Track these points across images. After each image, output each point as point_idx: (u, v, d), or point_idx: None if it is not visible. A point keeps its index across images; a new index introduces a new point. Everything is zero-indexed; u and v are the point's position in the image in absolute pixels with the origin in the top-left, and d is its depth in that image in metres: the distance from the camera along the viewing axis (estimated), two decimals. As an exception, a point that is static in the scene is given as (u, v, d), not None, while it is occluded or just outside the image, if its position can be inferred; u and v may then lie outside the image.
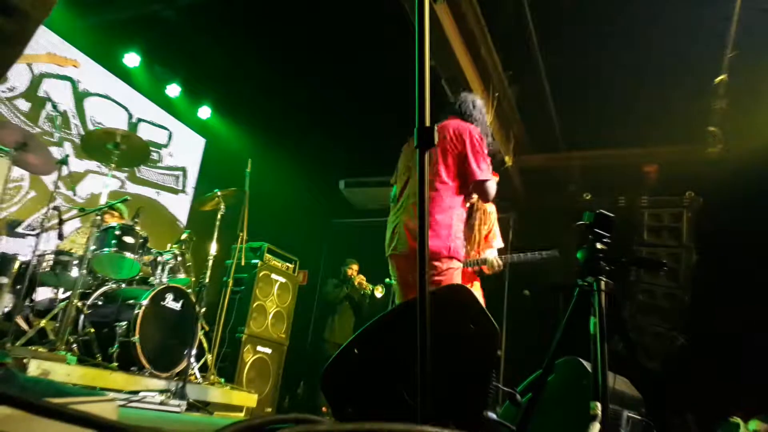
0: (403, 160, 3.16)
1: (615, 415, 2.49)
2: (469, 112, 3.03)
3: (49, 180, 5.21)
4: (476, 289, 3.47)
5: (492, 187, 2.90)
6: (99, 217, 3.92)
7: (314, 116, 6.87)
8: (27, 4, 1.01)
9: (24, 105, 5.34)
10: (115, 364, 3.64)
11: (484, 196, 2.94)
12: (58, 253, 4.05)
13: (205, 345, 4.61)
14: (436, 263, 2.69)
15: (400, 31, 4.74)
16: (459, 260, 2.79)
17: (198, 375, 4.31)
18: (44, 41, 5.19)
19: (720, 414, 4.60)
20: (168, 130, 6.97)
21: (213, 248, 4.31)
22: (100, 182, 5.82)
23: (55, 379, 2.98)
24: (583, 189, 6.33)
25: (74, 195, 5.12)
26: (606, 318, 1.97)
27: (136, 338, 3.75)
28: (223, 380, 4.56)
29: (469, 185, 2.86)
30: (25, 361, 2.93)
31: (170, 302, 4.12)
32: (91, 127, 5.92)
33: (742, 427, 4.37)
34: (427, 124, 1.38)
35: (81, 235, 4.67)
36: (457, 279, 2.78)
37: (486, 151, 2.89)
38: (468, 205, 3.09)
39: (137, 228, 4.16)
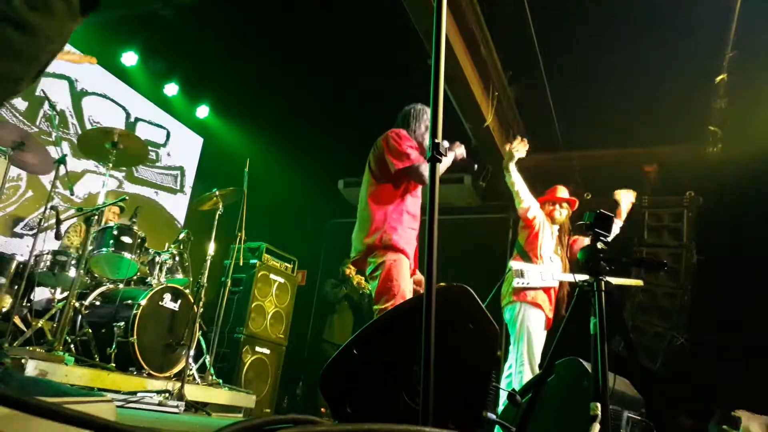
0: None
1: (615, 416, 2.49)
2: (403, 120, 3.21)
3: (46, 179, 5.20)
4: None
5: (419, 168, 2.91)
6: (97, 217, 3.90)
7: (313, 115, 6.85)
8: (46, 28, 0.99)
9: (21, 104, 5.32)
10: (113, 364, 3.62)
11: (417, 181, 2.99)
12: (56, 252, 4.04)
13: (204, 345, 4.60)
14: (372, 259, 2.85)
15: (401, 31, 4.73)
16: (399, 250, 2.83)
17: (196, 375, 4.29)
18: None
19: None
20: (166, 129, 6.95)
21: (211, 248, 4.28)
22: (98, 182, 5.80)
23: (52, 379, 2.96)
24: (583, 189, 6.32)
25: (72, 194, 5.09)
26: (606, 318, 1.96)
27: (134, 338, 3.74)
28: (221, 381, 4.54)
29: (399, 178, 2.98)
30: (22, 361, 2.91)
31: (168, 302, 4.11)
32: (88, 126, 5.91)
33: (744, 418, 4.38)
34: (438, 139, 1.43)
35: (78, 234, 4.65)
36: (400, 269, 2.80)
37: (407, 143, 2.96)
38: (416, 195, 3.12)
39: (135, 228, 4.15)
